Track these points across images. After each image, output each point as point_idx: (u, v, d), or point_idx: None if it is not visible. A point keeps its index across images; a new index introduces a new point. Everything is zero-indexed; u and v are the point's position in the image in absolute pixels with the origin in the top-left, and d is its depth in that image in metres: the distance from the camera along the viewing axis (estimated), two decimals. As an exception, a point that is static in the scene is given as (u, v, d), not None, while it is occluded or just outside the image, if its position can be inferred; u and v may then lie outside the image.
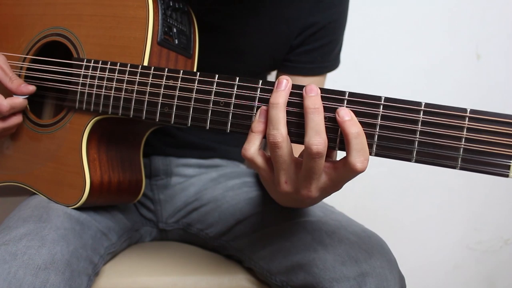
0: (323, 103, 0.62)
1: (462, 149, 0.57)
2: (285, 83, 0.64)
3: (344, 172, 0.62)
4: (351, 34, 1.08)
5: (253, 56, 1.00)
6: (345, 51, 1.07)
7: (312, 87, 0.63)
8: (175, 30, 0.82)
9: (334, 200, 0.97)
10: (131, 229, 0.98)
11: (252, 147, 0.65)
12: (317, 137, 0.60)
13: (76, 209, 0.83)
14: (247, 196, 0.97)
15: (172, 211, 1.05)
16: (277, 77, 1.07)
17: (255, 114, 0.66)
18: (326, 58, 1.02)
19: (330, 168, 0.63)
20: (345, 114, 0.61)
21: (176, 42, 0.82)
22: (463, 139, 0.57)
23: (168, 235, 1.07)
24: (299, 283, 0.78)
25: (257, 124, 0.65)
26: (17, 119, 0.86)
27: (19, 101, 0.84)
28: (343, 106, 0.62)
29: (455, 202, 1.69)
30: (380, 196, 1.66)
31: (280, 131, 0.62)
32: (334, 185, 0.65)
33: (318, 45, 0.99)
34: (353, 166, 0.60)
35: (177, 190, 1.04)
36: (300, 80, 1.01)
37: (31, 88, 0.86)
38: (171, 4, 0.82)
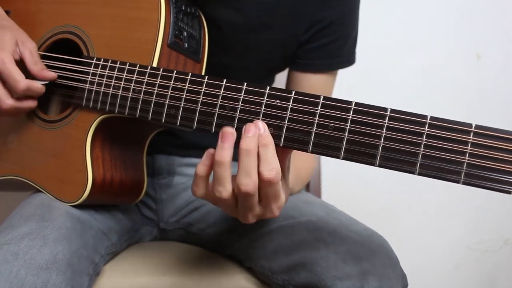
0: (330, 112, 0.62)
1: (465, 163, 0.56)
2: (230, 137, 0.62)
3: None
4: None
5: (262, 53, 0.99)
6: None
7: (250, 127, 0.62)
8: (185, 33, 0.82)
9: (334, 201, 0.97)
10: (131, 229, 0.98)
11: (200, 190, 0.66)
12: (246, 179, 0.61)
13: (77, 207, 0.82)
14: (248, 196, 0.97)
15: (173, 210, 1.05)
16: (288, 75, 1.06)
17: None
18: (337, 54, 1.00)
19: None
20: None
21: (186, 45, 0.82)
22: (467, 154, 0.56)
23: (169, 235, 1.07)
24: (301, 282, 0.78)
25: (201, 167, 0.64)
26: (31, 103, 0.84)
27: (36, 85, 0.83)
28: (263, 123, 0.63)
29: (455, 202, 1.69)
30: (380, 196, 1.66)
31: (226, 188, 0.62)
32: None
33: (328, 41, 0.98)
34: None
35: (179, 189, 1.04)
36: (311, 77, 1.00)
37: (52, 74, 0.85)
38: (183, 8, 0.82)
